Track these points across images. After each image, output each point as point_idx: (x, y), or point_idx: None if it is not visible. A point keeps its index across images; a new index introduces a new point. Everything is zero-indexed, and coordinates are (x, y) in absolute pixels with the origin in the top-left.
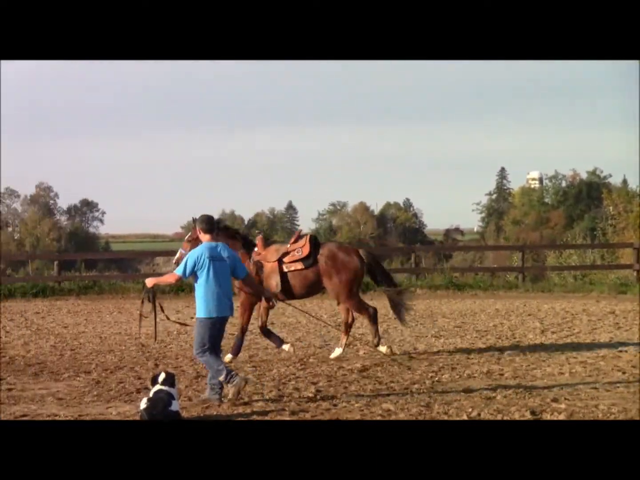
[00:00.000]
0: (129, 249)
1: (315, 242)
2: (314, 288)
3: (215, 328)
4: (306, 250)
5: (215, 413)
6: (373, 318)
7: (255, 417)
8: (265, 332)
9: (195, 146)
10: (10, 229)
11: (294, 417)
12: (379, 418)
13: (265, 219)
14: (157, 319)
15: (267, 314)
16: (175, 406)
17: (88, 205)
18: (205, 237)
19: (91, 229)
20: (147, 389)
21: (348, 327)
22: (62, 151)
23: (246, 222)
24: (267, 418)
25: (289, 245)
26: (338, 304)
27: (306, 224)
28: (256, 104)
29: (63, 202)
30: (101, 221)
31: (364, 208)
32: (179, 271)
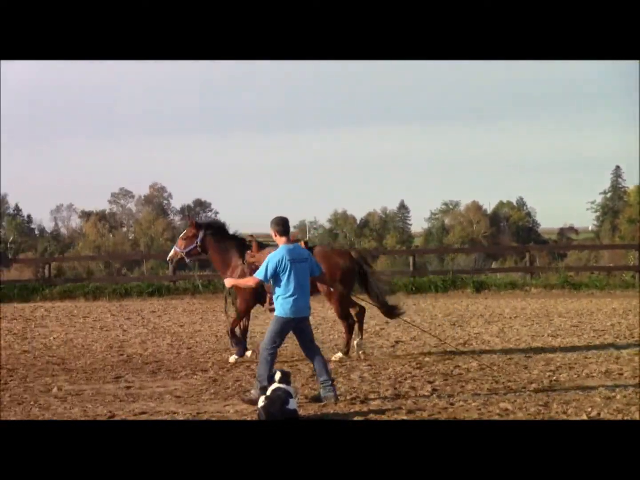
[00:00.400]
0: None
1: (309, 248)
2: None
3: (290, 328)
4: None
5: (332, 411)
6: (350, 328)
7: (372, 416)
8: (233, 334)
9: (304, 146)
10: (124, 229)
11: (411, 416)
12: (496, 417)
13: (377, 219)
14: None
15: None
16: (292, 404)
17: (201, 205)
18: (281, 240)
19: None
20: (264, 388)
21: (349, 327)
22: (176, 152)
23: (358, 222)
24: (383, 417)
25: None
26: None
27: (418, 223)
28: (367, 103)
29: (176, 202)
30: None
31: (476, 207)
32: (259, 275)
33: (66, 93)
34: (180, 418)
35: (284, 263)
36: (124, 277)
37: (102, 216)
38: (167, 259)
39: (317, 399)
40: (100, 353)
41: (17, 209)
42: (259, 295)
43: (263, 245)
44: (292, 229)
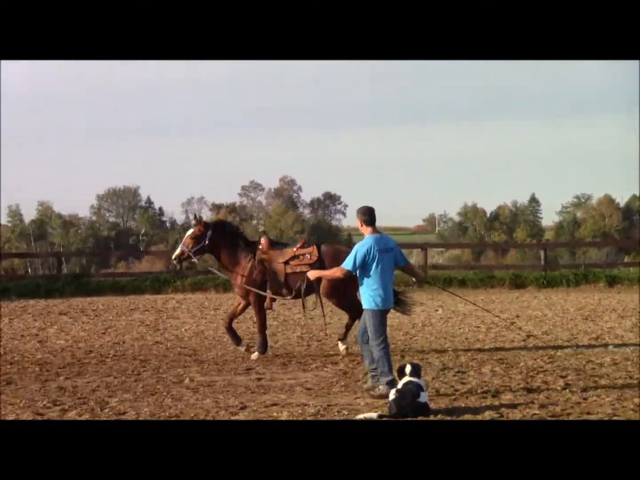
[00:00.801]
0: None
1: (317, 245)
2: (316, 288)
3: (385, 317)
4: (315, 256)
5: (462, 405)
6: (354, 320)
7: (503, 410)
8: (230, 329)
9: (435, 139)
10: (254, 222)
11: (543, 411)
12: (630, 412)
13: (507, 212)
14: (324, 311)
15: (241, 313)
16: (423, 398)
17: (331, 199)
18: (368, 230)
19: (334, 222)
20: (394, 381)
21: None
22: (306, 145)
23: (488, 215)
24: (515, 411)
25: (295, 249)
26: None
27: (549, 216)
28: (503, 96)
29: (306, 195)
30: (343, 214)
31: (609, 201)
32: (347, 265)
33: (199, 88)
34: (311, 410)
35: (372, 253)
36: None
37: (232, 209)
38: (173, 257)
39: (370, 389)
40: (231, 345)
41: (149, 201)
42: (265, 289)
43: (274, 243)
44: (421, 222)
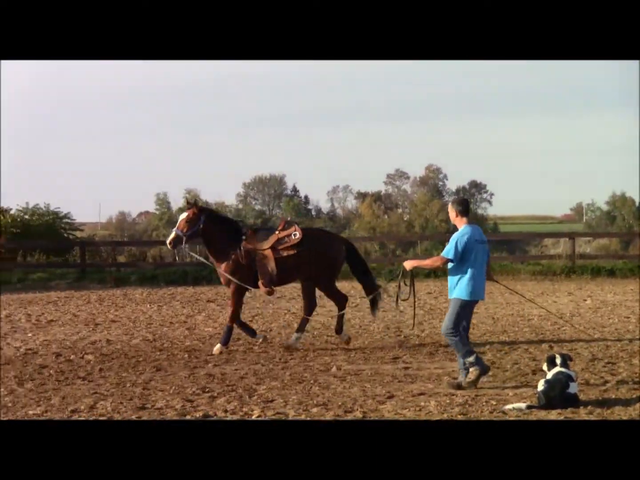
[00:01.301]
0: (516, 231)
1: (303, 229)
2: (301, 272)
3: (471, 310)
4: (299, 236)
5: (612, 397)
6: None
7: None
8: (240, 323)
9: (584, 128)
10: (400, 210)
11: None
12: None
13: None
14: (416, 303)
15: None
16: (573, 388)
17: (477, 187)
18: (463, 220)
19: (479, 211)
20: (543, 371)
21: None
22: (452, 134)
23: (637, 204)
24: None
25: (277, 232)
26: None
27: None
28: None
29: (452, 184)
30: (489, 202)
31: None
32: (449, 254)
33: (349, 76)
34: (459, 400)
35: (471, 243)
36: (397, 258)
37: (377, 197)
38: (168, 242)
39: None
40: (378, 334)
41: (295, 189)
42: (255, 279)
43: (257, 229)
44: (568, 211)
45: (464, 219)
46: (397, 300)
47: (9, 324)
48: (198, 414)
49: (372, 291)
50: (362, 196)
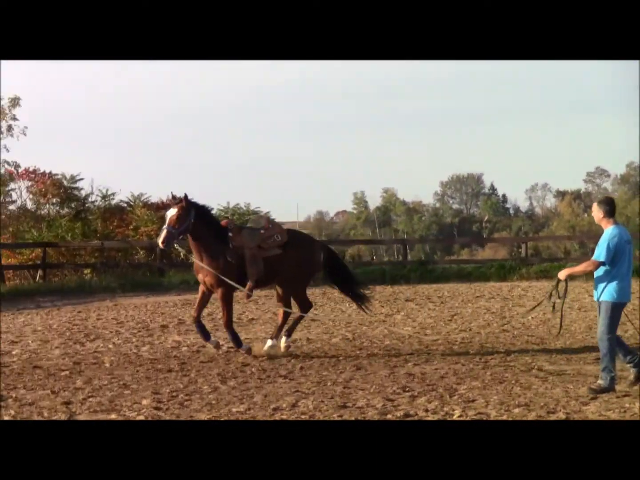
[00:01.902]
0: None
1: (287, 231)
2: (282, 273)
3: (620, 312)
4: (285, 237)
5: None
6: (298, 319)
7: None
8: (200, 325)
9: None
10: None
11: None
12: None
13: None
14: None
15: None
16: None
17: None
18: (610, 221)
19: None
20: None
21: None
22: None
23: None
24: None
25: (262, 231)
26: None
27: None
28: None
29: None
30: None
31: None
32: (600, 257)
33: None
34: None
35: (621, 244)
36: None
37: (577, 195)
38: (160, 242)
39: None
40: (580, 334)
41: (493, 188)
42: (242, 281)
43: (240, 227)
44: None
45: (611, 220)
46: (552, 308)
47: (211, 322)
48: (399, 413)
49: (358, 299)
50: (561, 194)
